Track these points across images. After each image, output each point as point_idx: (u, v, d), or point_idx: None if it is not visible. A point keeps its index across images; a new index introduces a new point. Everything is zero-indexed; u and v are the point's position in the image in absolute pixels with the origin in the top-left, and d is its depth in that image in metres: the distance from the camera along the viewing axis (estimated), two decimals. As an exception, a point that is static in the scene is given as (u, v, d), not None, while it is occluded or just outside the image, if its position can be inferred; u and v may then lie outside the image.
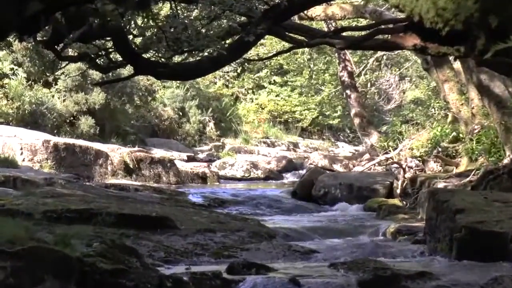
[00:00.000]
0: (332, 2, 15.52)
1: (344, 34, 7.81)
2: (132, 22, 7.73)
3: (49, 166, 15.10)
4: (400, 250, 7.78)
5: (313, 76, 29.16)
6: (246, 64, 28.94)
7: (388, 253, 7.58)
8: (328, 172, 16.28)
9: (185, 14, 8.29)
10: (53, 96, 19.88)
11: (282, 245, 7.92)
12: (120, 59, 8.81)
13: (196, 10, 8.44)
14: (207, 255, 7.36)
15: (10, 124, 17.92)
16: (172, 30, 7.57)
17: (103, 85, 18.24)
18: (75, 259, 4.82)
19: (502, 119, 11.45)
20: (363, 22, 18.13)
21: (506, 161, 11.20)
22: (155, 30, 7.83)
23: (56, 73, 17.65)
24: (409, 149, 15.25)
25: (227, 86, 31.26)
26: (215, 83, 30.66)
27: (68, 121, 19.75)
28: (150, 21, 7.61)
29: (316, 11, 15.17)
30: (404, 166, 13.99)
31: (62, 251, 4.79)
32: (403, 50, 12.75)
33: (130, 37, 8.19)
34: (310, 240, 8.90)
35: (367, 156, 18.99)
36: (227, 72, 30.73)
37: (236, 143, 26.02)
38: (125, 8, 6.38)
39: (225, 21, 8.16)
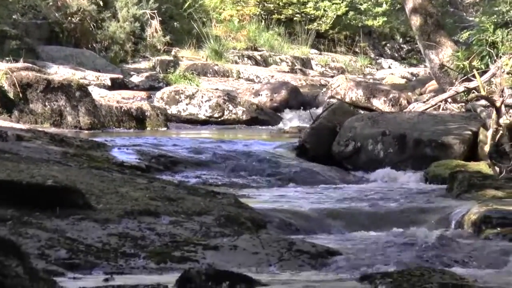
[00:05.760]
0: None
1: None
2: None
3: None
4: (487, 253, 6.11)
5: None
6: None
7: (466, 258, 5.96)
8: (363, 112, 13.17)
9: None
10: None
11: (278, 240, 6.12)
12: None
13: None
14: (143, 257, 5.58)
15: None
16: None
17: None
18: None
19: None
20: None
21: None
22: None
23: None
24: (508, 73, 12.59)
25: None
26: None
27: None
28: None
29: None
30: (498, 104, 10.97)
31: None
32: None
33: None
34: (327, 233, 7.19)
35: (433, 85, 15.68)
36: None
37: (199, 58, 19.46)
38: None
39: None
